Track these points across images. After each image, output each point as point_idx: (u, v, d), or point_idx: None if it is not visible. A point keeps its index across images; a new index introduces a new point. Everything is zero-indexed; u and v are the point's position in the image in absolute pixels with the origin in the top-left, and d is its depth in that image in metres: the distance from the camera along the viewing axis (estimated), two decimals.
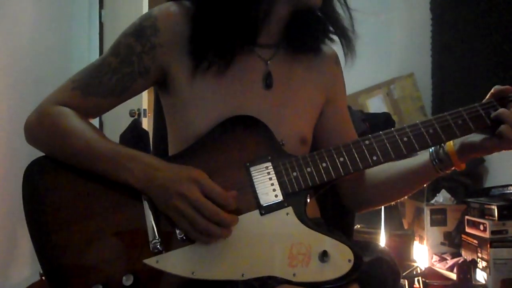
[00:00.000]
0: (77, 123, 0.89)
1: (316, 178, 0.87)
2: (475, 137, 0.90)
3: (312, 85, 1.03)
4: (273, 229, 0.83)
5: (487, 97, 0.91)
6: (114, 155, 0.85)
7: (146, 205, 0.83)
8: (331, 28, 1.00)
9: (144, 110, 3.20)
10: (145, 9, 3.15)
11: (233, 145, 0.90)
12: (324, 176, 0.87)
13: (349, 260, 0.80)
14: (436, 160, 0.94)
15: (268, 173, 0.87)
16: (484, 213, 2.43)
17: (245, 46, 0.95)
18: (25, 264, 2.68)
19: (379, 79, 3.30)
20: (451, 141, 0.92)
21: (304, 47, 1.01)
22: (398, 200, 1.08)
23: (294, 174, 0.87)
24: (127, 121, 2.72)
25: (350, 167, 0.87)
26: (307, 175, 0.87)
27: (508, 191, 2.48)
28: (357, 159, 0.87)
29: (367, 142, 0.88)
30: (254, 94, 0.96)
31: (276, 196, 0.85)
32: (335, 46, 1.05)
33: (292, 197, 0.85)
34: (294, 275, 0.80)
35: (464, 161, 0.93)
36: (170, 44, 0.92)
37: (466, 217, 2.55)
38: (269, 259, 0.82)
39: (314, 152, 0.89)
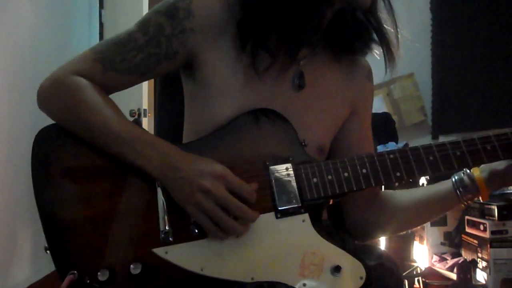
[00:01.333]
0: (95, 98, 0.84)
1: (337, 187, 0.84)
2: (505, 165, 0.87)
3: (341, 93, 0.98)
4: (287, 235, 0.81)
5: None
6: (132, 138, 0.81)
7: (159, 192, 0.81)
8: (374, 36, 0.95)
9: (144, 110, 3.20)
10: (145, 9, 3.14)
11: (253, 139, 0.86)
12: (345, 187, 0.84)
13: (361, 278, 0.79)
14: (461, 189, 0.90)
15: (288, 175, 0.84)
16: (484, 213, 2.43)
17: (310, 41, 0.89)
18: (25, 264, 2.67)
19: (379, 79, 3.28)
20: (478, 169, 0.89)
21: (341, 52, 0.96)
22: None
23: (315, 180, 0.84)
24: None
25: (372, 180, 0.84)
26: (327, 183, 0.84)
27: (508, 191, 2.48)
28: (380, 172, 0.84)
29: (391, 156, 0.85)
30: (282, 93, 0.92)
31: (293, 200, 0.83)
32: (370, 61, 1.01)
33: (309, 204, 0.83)
34: (304, 285, 0.78)
35: (492, 190, 0.89)
36: (203, 30, 0.87)
37: (466, 217, 2.55)
38: (280, 265, 0.80)
39: (337, 159, 0.86)
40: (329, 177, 0.84)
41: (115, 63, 0.87)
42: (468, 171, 0.90)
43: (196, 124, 0.94)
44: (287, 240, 0.81)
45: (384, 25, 0.94)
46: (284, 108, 0.89)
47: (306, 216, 0.82)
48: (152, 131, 1.25)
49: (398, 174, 0.84)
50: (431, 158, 0.84)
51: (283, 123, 0.87)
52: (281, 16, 0.84)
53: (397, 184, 0.90)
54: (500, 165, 0.87)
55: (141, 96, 3.12)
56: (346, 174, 0.84)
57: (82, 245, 0.79)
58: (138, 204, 0.82)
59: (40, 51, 2.90)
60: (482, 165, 0.89)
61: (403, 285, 0.98)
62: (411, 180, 0.86)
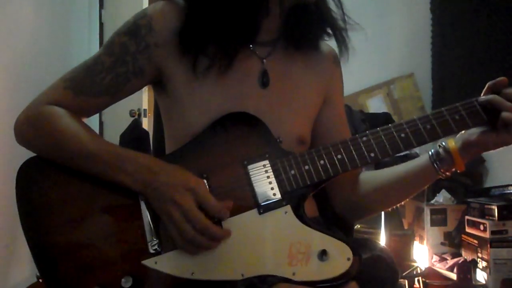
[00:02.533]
0: (70, 124, 0.87)
1: (314, 175, 0.86)
2: (477, 133, 0.89)
3: (310, 84, 1.01)
4: (272, 228, 0.83)
5: (483, 92, 0.90)
6: (110, 156, 0.83)
7: (143, 206, 0.83)
8: (326, 26, 0.98)
9: (144, 110, 3.20)
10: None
11: (230, 143, 0.89)
12: (322, 174, 0.86)
13: (348, 259, 0.80)
14: (437, 161, 0.92)
15: (266, 171, 0.86)
16: (484, 213, 2.43)
17: (244, 44, 0.93)
18: (25, 265, 2.67)
19: (379, 79, 3.30)
20: (453, 140, 0.91)
21: (301, 44, 0.99)
22: (395, 206, 1.06)
23: (292, 172, 0.86)
24: (127, 121, 2.71)
25: (348, 164, 0.86)
26: (305, 173, 0.86)
27: (508, 191, 2.48)
28: (355, 156, 0.86)
29: (364, 138, 0.87)
30: (251, 93, 0.94)
31: (274, 194, 0.84)
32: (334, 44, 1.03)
33: (290, 196, 0.85)
34: (293, 274, 0.80)
35: (466, 160, 0.91)
36: (166, 43, 0.90)
37: (466, 217, 2.55)
38: (268, 259, 0.82)
39: (312, 149, 0.88)
40: (306, 167, 0.86)
41: (85, 87, 0.89)
42: (443, 143, 0.92)
43: (174, 135, 0.97)
44: (273, 234, 0.83)
45: (332, 10, 0.98)
46: (256, 107, 0.92)
47: (288, 208, 0.84)
48: (151, 131, 1.25)
49: (372, 154, 0.86)
50: (402, 135, 0.86)
51: (256, 123, 0.89)
52: (214, 21, 0.89)
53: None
54: (472, 134, 0.89)
55: (141, 96, 3.13)
56: (322, 162, 0.86)
57: (73, 268, 0.81)
58: (123, 219, 0.84)
59: (40, 51, 2.90)
60: (457, 136, 0.91)
61: (398, 276, 0.99)
62: (386, 159, 0.88)
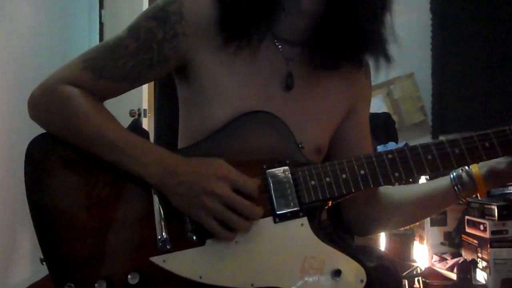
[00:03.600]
0: (88, 107, 0.83)
1: (335, 190, 0.82)
2: (505, 162, 0.85)
3: (336, 93, 0.96)
4: (286, 239, 0.80)
5: None
6: (128, 145, 0.80)
7: (156, 200, 0.79)
8: (361, 44, 0.90)
9: (144, 110, 3.20)
10: (145, 9, 3.13)
11: (250, 142, 0.85)
12: (343, 189, 0.82)
13: (362, 281, 0.78)
14: (459, 185, 0.88)
15: (286, 178, 0.82)
16: (484, 213, 2.43)
17: (268, 34, 0.88)
18: (25, 264, 2.67)
19: (379, 79, 3.29)
20: (477, 166, 0.88)
21: (331, 58, 0.90)
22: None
23: (313, 183, 0.82)
24: (127, 121, 2.72)
25: (371, 182, 0.83)
26: (325, 185, 0.82)
27: (508, 191, 2.48)
28: (378, 173, 0.83)
29: (390, 156, 0.83)
30: (273, 93, 0.90)
31: (291, 204, 0.81)
32: None
33: (308, 207, 0.81)
34: None
35: (489, 187, 0.88)
36: (196, 32, 0.85)
37: (466, 217, 2.55)
38: (280, 271, 0.79)
39: (335, 161, 0.84)
40: (327, 179, 0.82)
41: (106, 70, 0.85)
42: (466, 168, 0.89)
43: (191, 128, 0.93)
44: (286, 245, 0.80)
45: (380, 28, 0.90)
46: (278, 109, 0.88)
47: (304, 219, 0.81)
48: (152, 131, 1.25)
49: (396, 174, 0.83)
50: (429, 157, 0.83)
51: (279, 125, 0.86)
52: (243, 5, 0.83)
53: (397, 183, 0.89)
54: (500, 163, 0.86)
55: (141, 96, 3.13)
56: (344, 176, 0.82)
57: (79, 256, 0.78)
58: (134, 213, 0.81)
59: (40, 51, 2.90)
60: (482, 162, 0.88)
61: (402, 286, 0.97)
62: (410, 180, 0.85)
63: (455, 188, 0.89)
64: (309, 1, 0.86)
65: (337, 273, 0.78)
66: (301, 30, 0.90)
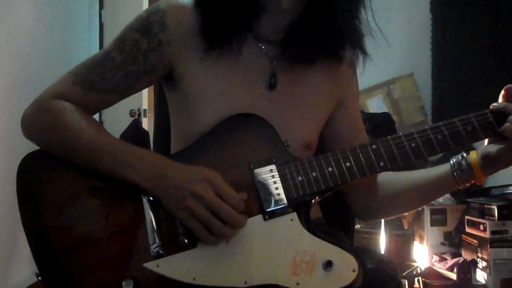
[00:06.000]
0: (78, 119, 0.86)
1: (322, 183, 0.84)
2: (496, 148, 0.85)
3: (322, 88, 0.97)
4: (276, 236, 0.81)
5: (499, 100, 0.87)
6: (119, 152, 0.82)
7: (146, 205, 0.81)
8: (338, 37, 0.91)
9: (144, 110, 3.20)
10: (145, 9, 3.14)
11: (237, 144, 0.87)
12: (330, 182, 0.84)
13: (354, 270, 0.79)
14: (458, 172, 0.89)
15: (273, 176, 0.84)
16: (484, 213, 2.43)
17: (250, 36, 0.90)
18: (25, 264, 2.67)
19: (379, 79, 3.29)
20: (475, 153, 0.88)
21: (309, 52, 0.92)
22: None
23: (299, 178, 0.84)
24: (127, 121, 2.72)
25: (357, 173, 0.84)
26: (312, 180, 0.84)
27: (508, 191, 2.48)
28: (364, 164, 0.84)
29: (374, 146, 0.85)
30: (258, 94, 0.92)
31: (280, 201, 0.82)
32: None
33: (296, 202, 0.83)
34: (297, 284, 0.78)
35: (488, 174, 0.88)
36: (179, 40, 0.89)
37: (466, 217, 2.55)
38: (272, 267, 0.80)
39: (320, 155, 0.86)
40: (314, 174, 0.84)
41: (94, 84, 0.88)
42: (465, 154, 0.90)
43: (181, 133, 0.95)
44: (277, 241, 0.81)
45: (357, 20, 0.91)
46: (264, 109, 0.90)
47: (294, 215, 0.82)
48: (152, 131, 1.25)
49: (381, 163, 0.85)
50: (413, 145, 0.84)
51: (264, 126, 0.87)
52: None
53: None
54: (492, 148, 0.86)
55: (141, 96, 3.13)
56: (330, 169, 0.84)
57: (73, 268, 0.80)
58: (125, 220, 0.82)
59: (40, 51, 2.90)
60: (479, 149, 0.89)
61: (401, 287, 0.97)
62: (395, 168, 0.87)
63: (455, 174, 0.90)
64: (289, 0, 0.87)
65: (328, 264, 0.79)
66: (282, 29, 0.92)
